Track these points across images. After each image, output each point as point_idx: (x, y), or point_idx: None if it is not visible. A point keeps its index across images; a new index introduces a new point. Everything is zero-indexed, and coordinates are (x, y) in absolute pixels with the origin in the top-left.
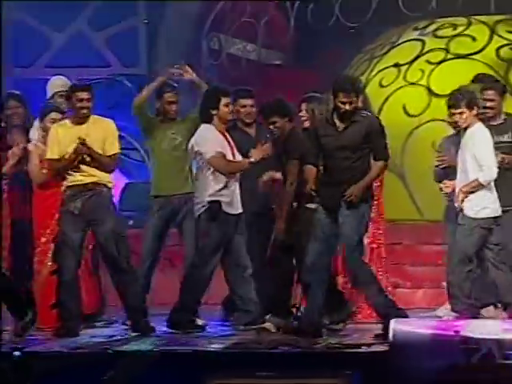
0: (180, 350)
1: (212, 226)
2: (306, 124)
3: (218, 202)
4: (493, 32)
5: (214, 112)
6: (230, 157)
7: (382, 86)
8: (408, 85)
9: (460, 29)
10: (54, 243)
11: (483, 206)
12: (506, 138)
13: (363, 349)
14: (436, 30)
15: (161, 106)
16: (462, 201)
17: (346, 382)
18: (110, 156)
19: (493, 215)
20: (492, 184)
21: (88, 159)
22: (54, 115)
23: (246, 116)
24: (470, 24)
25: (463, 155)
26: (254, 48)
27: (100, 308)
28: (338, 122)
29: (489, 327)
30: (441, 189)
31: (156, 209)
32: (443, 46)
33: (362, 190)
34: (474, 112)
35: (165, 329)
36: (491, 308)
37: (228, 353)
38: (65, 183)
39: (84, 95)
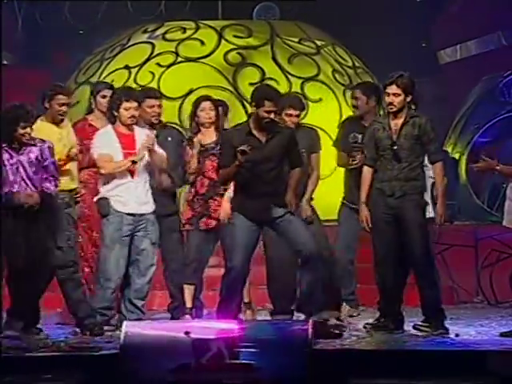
0: None
1: (103, 223)
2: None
3: (107, 200)
4: (220, 36)
5: (116, 114)
6: (120, 158)
7: None
8: (139, 87)
9: (189, 32)
10: None
11: None
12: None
13: (95, 351)
14: (165, 33)
15: None
16: None
17: None
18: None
19: None
20: None
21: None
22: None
23: (153, 116)
24: (198, 28)
25: None
26: None
27: None
28: (257, 134)
29: (217, 328)
30: None
31: None
32: (173, 50)
33: (294, 198)
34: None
35: None
36: None
37: None
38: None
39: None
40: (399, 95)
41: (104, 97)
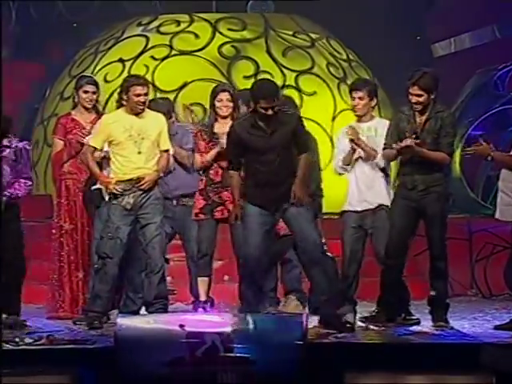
0: None
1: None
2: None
3: (100, 190)
4: (215, 29)
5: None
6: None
7: (106, 81)
8: None
9: (183, 25)
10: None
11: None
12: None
13: (89, 344)
14: (159, 26)
15: None
16: None
17: (74, 379)
18: (165, 151)
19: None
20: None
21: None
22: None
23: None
24: (192, 21)
25: (373, 145)
26: None
27: None
28: (263, 125)
29: (212, 321)
30: None
31: None
32: (167, 43)
33: (302, 188)
34: (373, 103)
35: None
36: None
37: None
38: (113, 175)
39: (143, 90)
40: (422, 95)
41: (86, 92)
